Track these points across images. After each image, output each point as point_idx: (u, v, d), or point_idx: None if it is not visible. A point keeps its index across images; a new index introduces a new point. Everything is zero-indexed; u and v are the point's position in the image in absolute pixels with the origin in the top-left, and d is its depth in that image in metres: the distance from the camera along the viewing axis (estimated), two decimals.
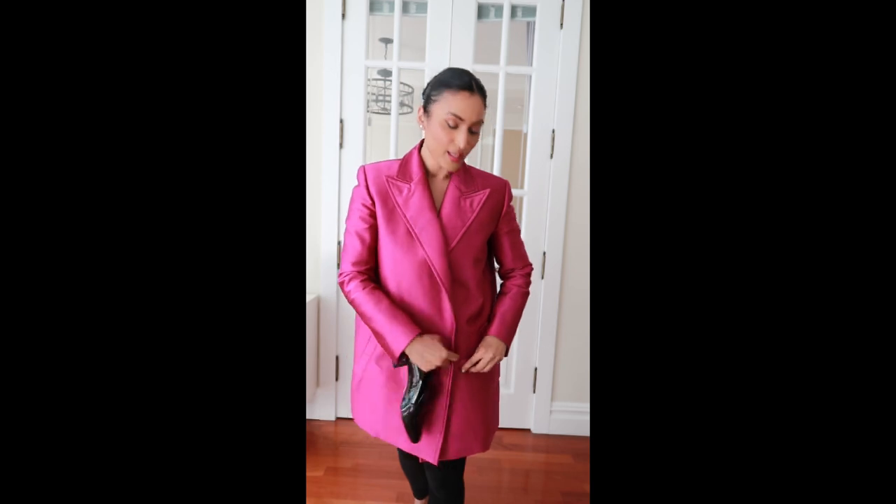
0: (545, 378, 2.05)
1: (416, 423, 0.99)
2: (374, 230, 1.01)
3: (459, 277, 1.01)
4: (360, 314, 1.00)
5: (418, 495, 1.39)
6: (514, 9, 1.87)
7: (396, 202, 0.99)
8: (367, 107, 1.97)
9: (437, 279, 0.98)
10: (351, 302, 1.01)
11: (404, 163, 1.02)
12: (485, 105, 0.95)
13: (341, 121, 1.91)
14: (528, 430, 2.09)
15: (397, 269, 1.00)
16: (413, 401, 0.97)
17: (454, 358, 0.96)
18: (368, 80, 2.22)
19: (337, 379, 2.08)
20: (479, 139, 0.98)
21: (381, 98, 3.77)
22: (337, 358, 2.06)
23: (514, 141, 4.62)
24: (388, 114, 3.77)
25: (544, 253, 1.97)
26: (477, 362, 1.00)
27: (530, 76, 1.90)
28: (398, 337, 0.95)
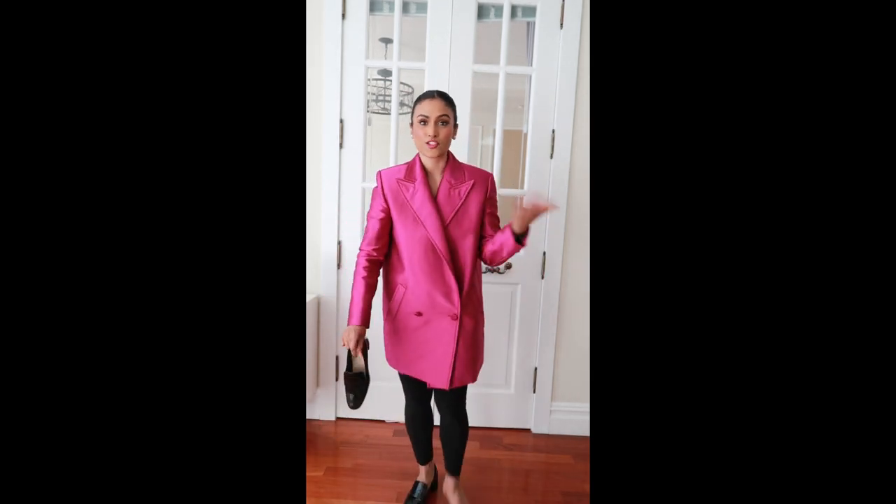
0: (545, 378, 2.05)
1: (350, 388, 1.36)
2: (386, 221, 1.36)
3: (455, 249, 1.35)
4: (355, 272, 1.37)
5: (423, 460, 1.61)
6: (514, 9, 1.86)
7: (405, 197, 1.34)
8: (367, 107, 1.97)
9: (439, 252, 1.32)
10: (357, 264, 1.37)
11: (409, 167, 1.36)
12: (449, 105, 1.30)
13: (341, 121, 1.91)
14: (528, 430, 2.09)
15: (409, 246, 1.34)
16: (346, 369, 1.36)
17: (353, 350, 1.32)
18: (368, 80, 2.22)
19: (337, 379, 2.08)
20: (454, 131, 1.33)
21: (381, 98, 3.77)
22: (337, 358, 2.06)
23: (514, 141, 4.61)
24: (388, 114, 3.77)
25: (544, 253, 1.97)
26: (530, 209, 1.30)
27: (530, 76, 1.90)
28: (350, 317, 1.35)
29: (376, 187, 1.36)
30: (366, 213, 2.01)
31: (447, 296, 1.33)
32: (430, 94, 1.30)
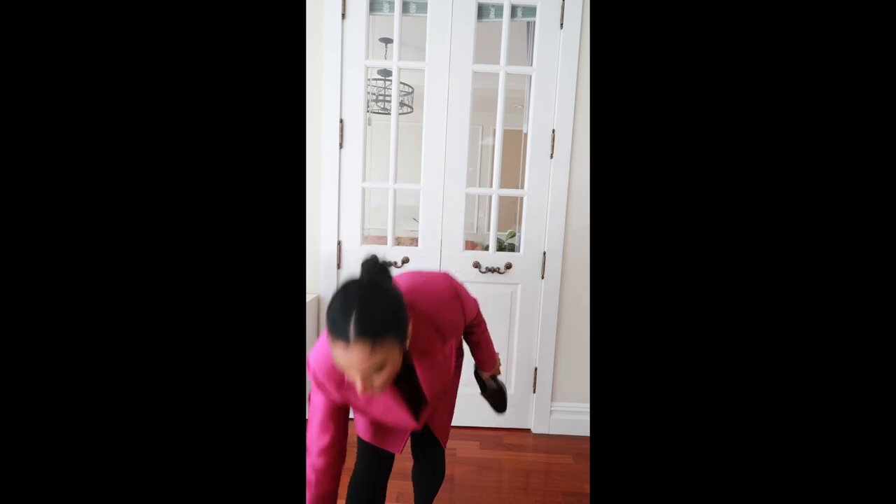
0: (545, 378, 2.05)
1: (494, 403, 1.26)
2: (341, 415, 0.96)
3: (441, 398, 1.12)
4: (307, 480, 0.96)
5: None
6: (514, 9, 1.87)
7: (357, 404, 0.94)
8: (367, 107, 1.97)
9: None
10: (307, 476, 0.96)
11: None
12: (379, 342, 0.75)
13: (341, 121, 1.91)
14: (528, 430, 2.09)
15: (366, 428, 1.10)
16: None
17: None
18: (368, 80, 2.22)
19: None
20: (401, 349, 0.80)
21: (381, 98, 3.77)
22: None
23: (514, 141, 4.63)
24: (388, 114, 3.77)
25: (544, 253, 1.97)
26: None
27: (530, 76, 1.90)
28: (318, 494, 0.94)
29: (311, 383, 0.95)
30: (366, 213, 2.02)
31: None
32: (341, 336, 0.75)
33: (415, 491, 1.29)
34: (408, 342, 0.83)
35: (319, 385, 0.92)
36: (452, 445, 1.94)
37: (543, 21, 1.84)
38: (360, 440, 1.13)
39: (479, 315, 1.13)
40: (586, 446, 1.99)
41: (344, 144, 1.93)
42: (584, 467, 1.84)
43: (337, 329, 0.75)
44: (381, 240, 3.13)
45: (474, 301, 1.08)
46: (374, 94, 3.73)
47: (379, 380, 0.79)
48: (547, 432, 2.08)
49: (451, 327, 0.96)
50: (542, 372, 2.04)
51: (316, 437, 0.95)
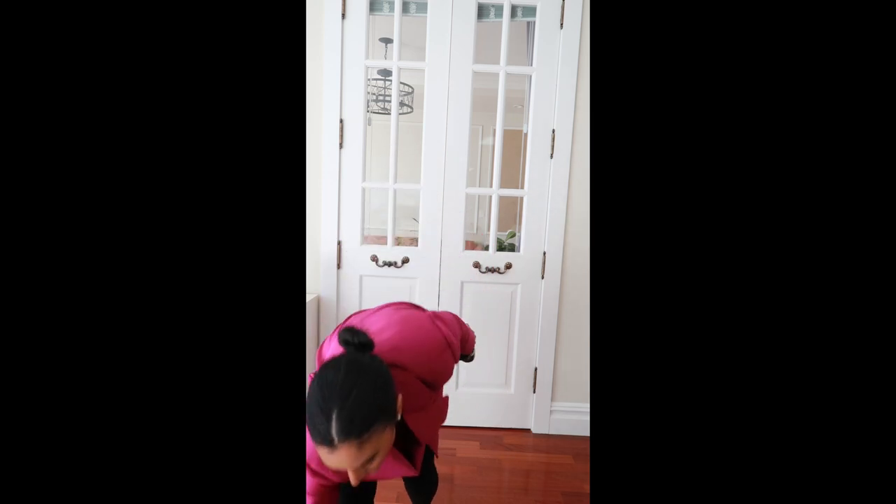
0: (545, 378, 2.05)
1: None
2: (330, 494, 0.90)
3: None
4: None
5: None
6: (514, 9, 1.87)
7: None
8: (367, 107, 1.97)
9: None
10: None
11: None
12: (368, 437, 0.70)
13: (341, 121, 1.91)
14: (528, 430, 2.09)
15: None
16: None
17: None
18: (368, 79, 2.22)
19: None
20: (391, 429, 0.75)
21: (381, 98, 3.78)
22: None
23: (514, 141, 4.63)
24: (388, 114, 3.77)
25: (544, 253, 1.97)
26: None
27: (530, 76, 1.90)
28: None
29: None
30: (366, 213, 2.02)
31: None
32: (324, 440, 0.70)
33: (412, 499, 1.27)
34: (399, 414, 0.78)
35: (312, 470, 0.86)
36: (452, 445, 1.94)
37: (543, 21, 1.84)
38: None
39: (464, 334, 1.10)
40: (586, 446, 1.99)
41: (344, 144, 1.93)
42: (584, 467, 1.84)
43: (318, 433, 0.69)
44: (381, 240, 3.13)
45: (458, 331, 1.03)
46: (374, 94, 3.73)
47: (373, 465, 0.74)
48: (547, 432, 2.08)
49: (441, 377, 0.93)
50: (542, 372, 2.04)
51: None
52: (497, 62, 1.87)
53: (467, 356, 1.25)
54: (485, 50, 1.91)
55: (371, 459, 0.73)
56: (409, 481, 1.24)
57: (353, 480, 0.73)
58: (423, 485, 1.21)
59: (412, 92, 3.77)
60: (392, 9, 1.85)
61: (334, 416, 0.69)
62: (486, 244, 2.04)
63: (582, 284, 1.98)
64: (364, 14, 1.84)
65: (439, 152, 1.92)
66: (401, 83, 2.40)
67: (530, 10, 1.87)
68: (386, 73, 3.78)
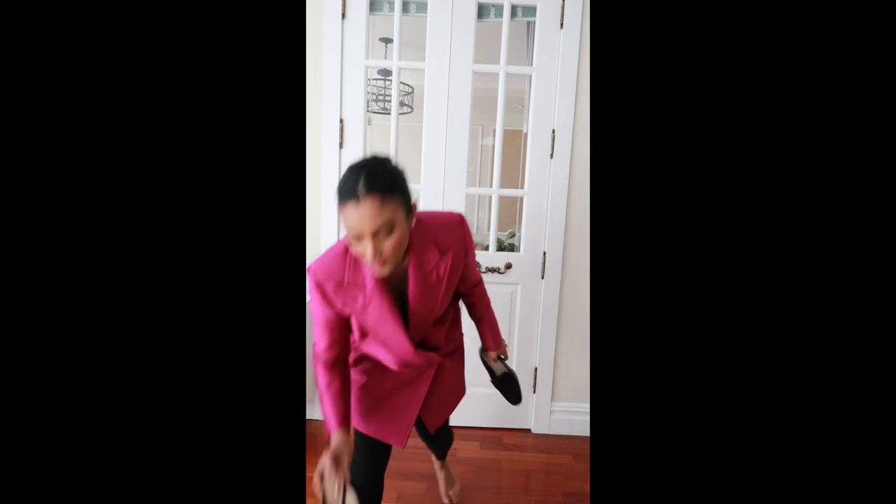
0: (545, 378, 2.05)
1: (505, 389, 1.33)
2: (341, 324, 1.00)
3: (430, 337, 1.09)
4: (317, 383, 1.03)
5: None
6: (514, 9, 1.86)
7: (354, 310, 0.97)
8: (367, 107, 1.97)
9: (409, 362, 1.05)
10: (316, 371, 1.04)
11: (352, 266, 0.94)
12: (388, 196, 0.81)
13: (341, 121, 1.91)
14: (528, 430, 2.09)
15: (372, 352, 1.07)
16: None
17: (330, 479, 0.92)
18: (368, 80, 2.22)
19: None
20: (411, 215, 0.89)
21: (381, 98, 3.77)
22: None
23: (514, 141, 4.62)
24: (388, 114, 3.77)
25: (544, 253, 1.97)
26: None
27: (530, 76, 1.90)
28: (332, 418, 1.00)
29: (312, 291, 0.97)
30: None
31: (421, 369, 1.11)
32: (351, 195, 0.81)
33: (433, 449, 1.50)
34: (413, 219, 0.90)
35: (319, 288, 0.96)
36: (452, 445, 1.94)
37: (543, 21, 1.84)
38: (357, 434, 1.13)
39: (480, 279, 1.21)
40: (586, 446, 1.99)
41: (344, 144, 1.93)
42: (584, 467, 1.84)
43: (347, 190, 0.82)
44: None
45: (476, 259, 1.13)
46: (374, 94, 3.72)
47: (388, 245, 0.84)
48: (547, 432, 2.08)
49: (450, 244, 1.00)
50: (542, 372, 2.04)
51: (319, 341, 1.01)
52: (497, 62, 1.87)
53: (496, 358, 1.32)
54: (485, 50, 1.90)
55: (389, 231, 0.83)
56: (432, 447, 1.45)
57: (369, 254, 0.83)
58: (444, 444, 1.46)
59: (412, 92, 3.77)
60: (392, 9, 1.85)
61: (362, 175, 0.82)
62: (486, 244, 2.04)
63: (582, 284, 1.98)
64: (364, 14, 1.84)
65: (439, 152, 1.92)
66: (401, 83, 2.40)
67: (530, 10, 1.87)
68: (386, 73, 3.78)
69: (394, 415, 1.11)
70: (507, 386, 1.32)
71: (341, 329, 1.01)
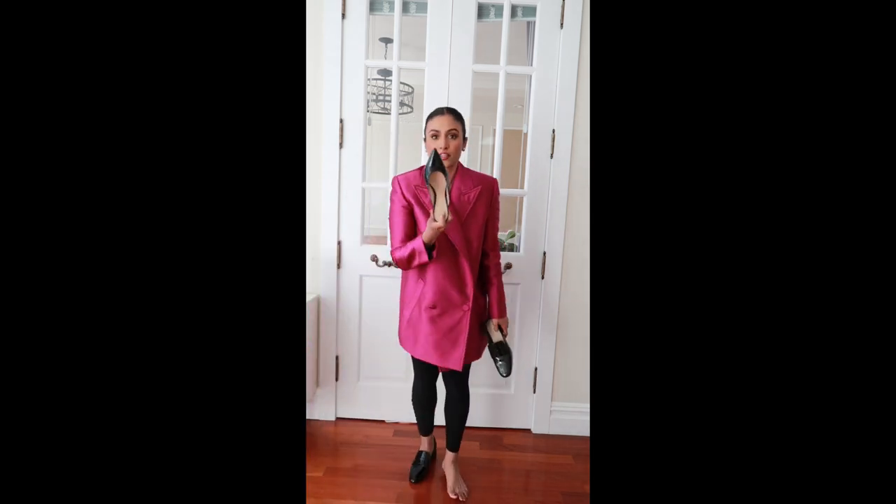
0: (545, 378, 2.05)
1: (498, 354, 1.57)
2: (410, 217, 1.50)
3: (468, 248, 1.49)
4: (401, 259, 1.48)
5: (425, 433, 1.79)
6: (514, 9, 1.86)
7: (423, 201, 1.49)
8: (367, 106, 1.97)
9: (456, 248, 1.47)
10: (396, 261, 1.49)
11: (421, 180, 1.49)
12: (458, 119, 1.46)
13: (341, 120, 1.91)
14: (528, 430, 2.09)
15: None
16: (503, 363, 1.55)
17: (445, 217, 1.36)
18: (368, 79, 2.22)
19: (337, 379, 2.07)
20: (463, 143, 1.49)
21: (381, 98, 3.78)
22: (337, 358, 2.06)
23: (514, 141, 4.62)
24: (388, 113, 3.77)
25: (544, 253, 1.97)
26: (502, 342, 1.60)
27: (530, 76, 1.90)
28: (418, 242, 1.44)
29: (394, 191, 1.51)
30: (366, 213, 2.02)
31: (461, 290, 1.50)
32: (439, 111, 1.45)
33: (447, 426, 1.70)
34: (465, 144, 1.51)
35: (399, 187, 1.49)
36: None
37: (543, 21, 1.84)
38: (414, 360, 1.62)
39: (498, 248, 1.60)
40: (586, 446, 1.99)
41: (344, 144, 1.93)
42: (584, 467, 1.84)
43: (437, 110, 1.46)
44: (382, 240, 3.12)
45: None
46: (374, 93, 3.72)
47: (453, 145, 1.43)
48: (547, 432, 2.08)
49: (481, 184, 1.51)
50: (542, 372, 2.04)
51: (394, 240, 1.51)
52: (497, 62, 1.87)
53: (496, 326, 1.58)
54: (485, 50, 1.90)
55: (454, 137, 1.44)
56: (446, 400, 1.68)
57: (441, 143, 1.42)
58: (456, 402, 1.66)
59: (412, 92, 3.77)
60: (392, 9, 1.85)
61: (446, 107, 1.48)
62: None
63: (582, 284, 1.98)
64: (364, 14, 1.84)
65: None
66: (401, 83, 2.40)
67: (530, 10, 1.87)
68: (386, 73, 3.78)
69: (440, 343, 1.53)
70: (502, 355, 1.55)
71: (409, 225, 1.50)
